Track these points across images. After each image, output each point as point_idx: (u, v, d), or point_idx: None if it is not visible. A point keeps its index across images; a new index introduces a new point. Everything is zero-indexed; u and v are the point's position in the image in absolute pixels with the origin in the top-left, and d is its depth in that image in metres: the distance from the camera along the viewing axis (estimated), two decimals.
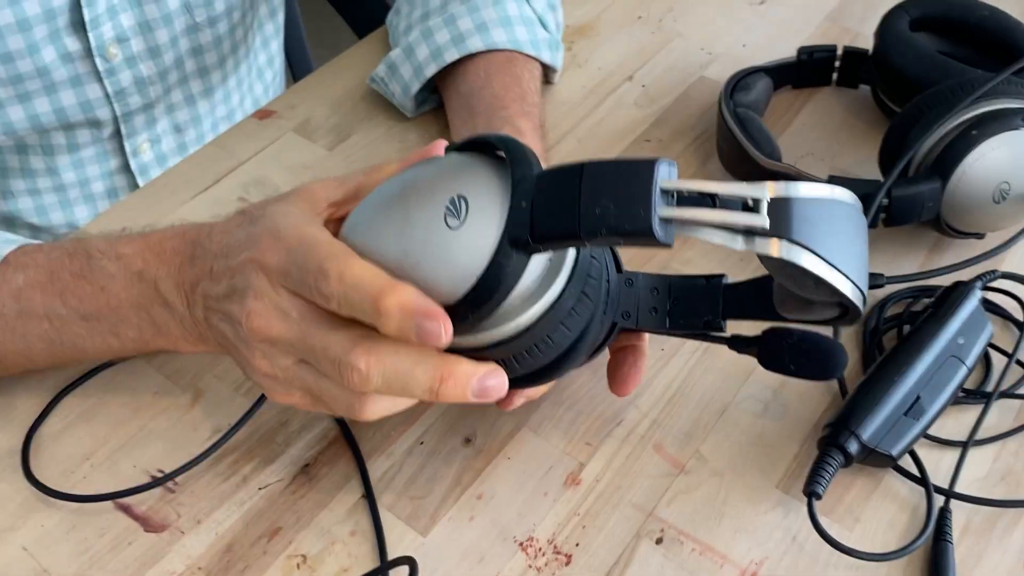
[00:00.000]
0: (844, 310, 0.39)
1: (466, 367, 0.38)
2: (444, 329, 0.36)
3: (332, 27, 1.04)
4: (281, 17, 0.80)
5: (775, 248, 0.35)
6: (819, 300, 0.39)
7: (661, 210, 0.34)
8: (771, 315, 0.44)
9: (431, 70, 0.63)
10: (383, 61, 0.66)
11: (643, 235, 0.34)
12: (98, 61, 0.63)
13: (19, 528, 0.46)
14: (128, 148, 0.69)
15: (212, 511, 0.47)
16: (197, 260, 0.44)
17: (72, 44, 0.61)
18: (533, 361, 0.40)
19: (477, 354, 0.39)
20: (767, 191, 0.35)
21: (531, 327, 0.38)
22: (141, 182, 0.71)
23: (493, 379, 0.39)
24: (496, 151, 0.39)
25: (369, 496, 0.47)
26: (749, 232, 0.35)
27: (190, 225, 0.46)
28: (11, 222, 0.70)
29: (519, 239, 0.36)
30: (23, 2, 0.57)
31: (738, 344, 0.46)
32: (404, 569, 0.43)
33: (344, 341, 0.38)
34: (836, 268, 0.36)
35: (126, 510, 0.47)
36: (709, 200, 0.35)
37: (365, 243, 0.39)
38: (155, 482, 0.47)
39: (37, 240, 0.71)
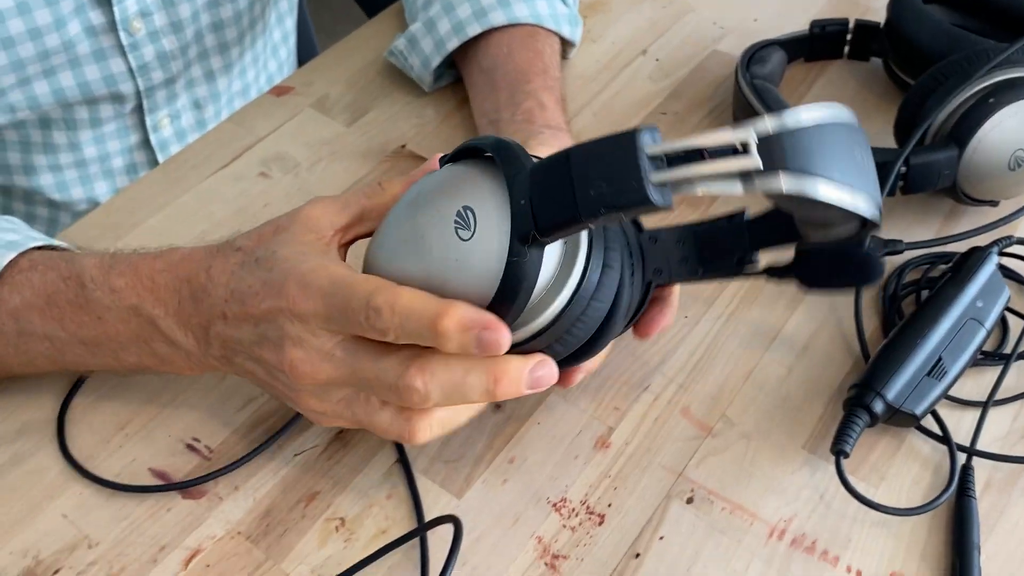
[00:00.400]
0: (863, 222, 0.39)
1: (516, 363, 0.39)
2: (502, 336, 0.37)
3: (335, 12, 1.04)
4: None
5: (774, 184, 0.35)
6: (836, 220, 0.40)
7: (653, 176, 0.35)
8: (797, 237, 0.44)
9: (453, 44, 0.63)
10: (403, 35, 0.67)
11: (641, 204, 0.35)
12: (122, 35, 0.63)
13: (58, 496, 0.47)
14: (149, 123, 0.70)
15: (249, 477, 0.48)
16: (200, 301, 0.43)
17: (96, 18, 0.61)
18: (575, 340, 0.41)
19: (522, 347, 0.40)
20: (752, 132, 0.35)
21: (564, 311, 0.39)
22: (160, 158, 0.72)
23: (542, 369, 0.40)
24: (487, 154, 0.40)
25: (403, 460, 0.48)
26: (746, 175, 0.35)
27: (179, 257, 0.45)
28: (31, 198, 0.70)
29: (527, 235, 0.37)
30: None
31: (776, 273, 0.46)
32: (445, 528, 0.44)
33: (396, 366, 0.39)
34: (842, 186, 0.36)
35: (162, 477, 0.48)
36: (698, 155, 0.35)
37: (392, 274, 0.40)
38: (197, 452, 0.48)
39: (57, 218, 0.72)
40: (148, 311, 0.44)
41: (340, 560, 0.45)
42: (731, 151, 0.35)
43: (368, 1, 0.95)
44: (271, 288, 0.41)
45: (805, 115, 0.36)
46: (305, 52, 0.97)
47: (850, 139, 0.38)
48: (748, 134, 0.35)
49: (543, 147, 0.53)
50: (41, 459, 0.48)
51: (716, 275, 0.46)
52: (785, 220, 0.44)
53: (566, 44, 0.68)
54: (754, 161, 0.35)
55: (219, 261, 0.44)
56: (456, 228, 0.38)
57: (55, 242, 0.49)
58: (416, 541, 0.45)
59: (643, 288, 0.44)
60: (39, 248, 0.48)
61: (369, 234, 0.44)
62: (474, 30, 0.62)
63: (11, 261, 0.47)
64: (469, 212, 0.38)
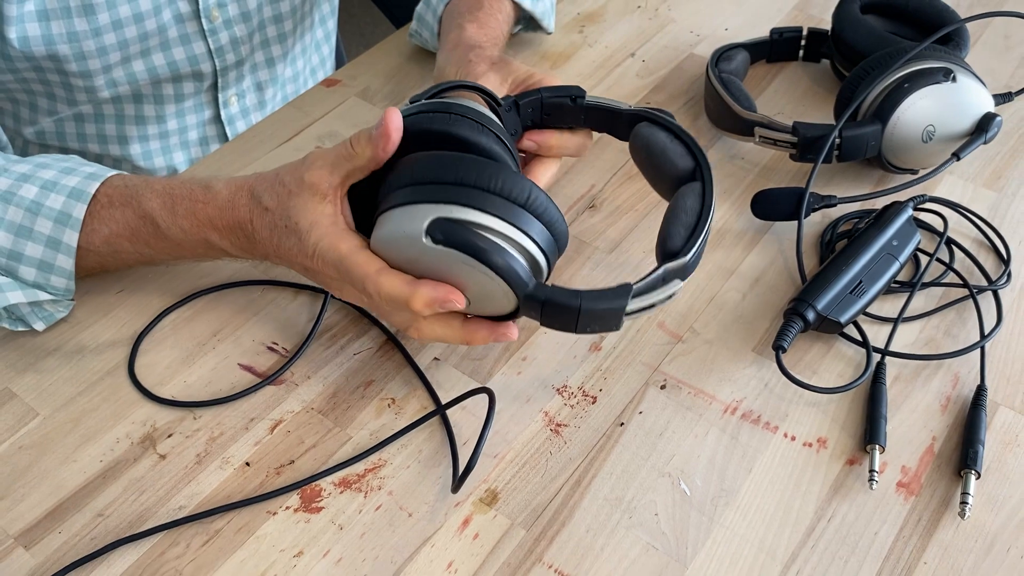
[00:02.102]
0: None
1: (483, 332, 0.54)
2: (457, 302, 0.51)
3: (363, 23, 1.18)
4: (336, 2, 0.94)
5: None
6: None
7: (623, 319, 0.52)
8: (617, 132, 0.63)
9: (440, 8, 0.78)
10: (414, 17, 0.82)
11: (612, 331, 0.54)
12: (203, 22, 0.77)
13: (168, 382, 0.60)
14: (220, 99, 0.84)
15: (319, 369, 0.61)
16: (254, 243, 0.57)
17: (184, 7, 0.75)
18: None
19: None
20: (679, 286, 0.54)
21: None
22: (228, 131, 0.86)
23: (499, 335, 0.54)
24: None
25: (410, 361, 0.61)
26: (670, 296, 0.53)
27: (224, 202, 0.57)
28: (119, 165, 0.84)
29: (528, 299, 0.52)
30: None
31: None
32: (471, 405, 0.57)
33: (401, 323, 0.55)
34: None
35: (250, 370, 0.61)
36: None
37: (389, 255, 0.53)
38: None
39: None
40: (216, 243, 0.59)
41: (392, 427, 0.58)
42: (662, 281, 0.53)
43: (394, 13, 1.09)
44: (303, 255, 0.55)
45: (695, 247, 0.54)
46: (336, 52, 1.11)
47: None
48: (678, 287, 0.53)
49: (470, 66, 0.67)
50: (151, 358, 0.61)
51: (556, 128, 0.64)
52: (617, 120, 0.63)
53: (533, 18, 0.82)
54: (675, 291, 0.53)
55: (256, 216, 0.56)
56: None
57: (104, 169, 0.61)
58: (452, 414, 0.58)
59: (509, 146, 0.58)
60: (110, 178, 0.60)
61: (357, 182, 0.55)
62: None
63: (92, 193, 0.58)
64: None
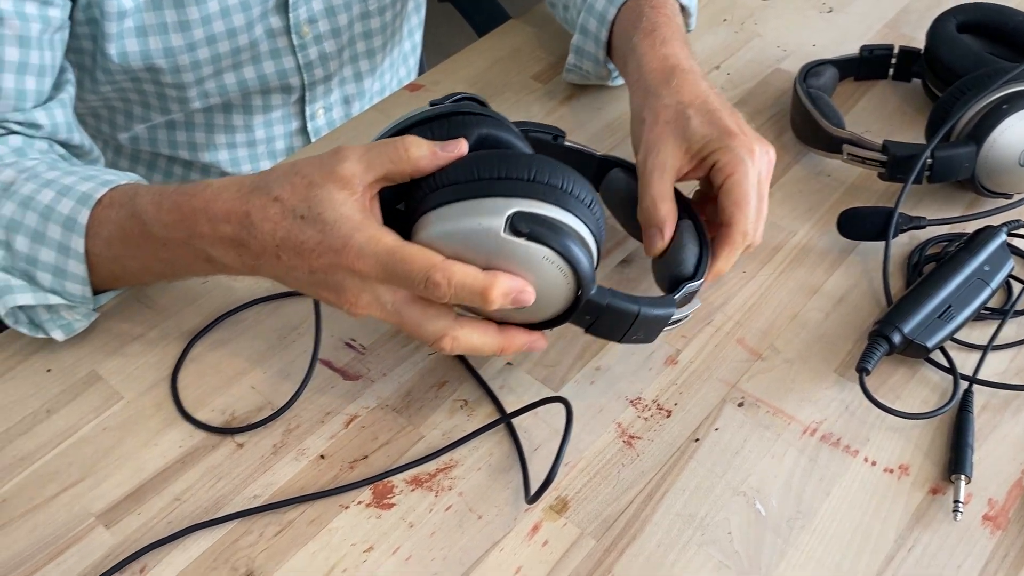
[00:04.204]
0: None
1: (519, 339, 0.53)
2: (529, 297, 0.49)
3: (439, 33, 1.19)
4: (423, 13, 0.95)
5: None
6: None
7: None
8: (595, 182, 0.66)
9: (604, 34, 0.74)
10: (571, 53, 0.78)
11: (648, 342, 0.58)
12: (294, 37, 0.78)
13: (250, 372, 0.61)
14: (308, 112, 0.85)
15: (394, 367, 0.61)
16: (244, 242, 0.51)
17: (276, 22, 0.77)
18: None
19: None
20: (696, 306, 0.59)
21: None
22: (313, 142, 0.87)
23: (532, 343, 0.54)
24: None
25: (471, 368, 0.61)
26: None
27: (211, 195, 0.52)
28: (207, 170, 0.86)
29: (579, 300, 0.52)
30: None
31: None
32: (541, 413, 0.56)
33: (434, 331, 0.51)
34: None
35: (328, 365, 0.62)
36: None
37: (448, 251, 0.50)
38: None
39: None
40: (197, 244, 0.53)
41: (463, 428, 0.58)
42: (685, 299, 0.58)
43: (477, 21, 1.10)
44: (328, 249, 0.49)
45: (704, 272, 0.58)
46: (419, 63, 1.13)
47: None
48: (697, 304, 0.59)
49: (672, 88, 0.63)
50: (233, 348, 0.63)
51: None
52: (590, 165, 0.67)
53: (685, 13, 0.77)
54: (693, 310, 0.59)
55: (256, 208, 0.50)
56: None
57: (125, 178, 0.59)
58: (524, 420, 0.58)
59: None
60: (119, 187, 0.57)
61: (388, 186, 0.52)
62: (611, 14, 0.72)
63: (98, 198, 0.56)
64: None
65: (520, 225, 0.49)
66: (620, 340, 0.55)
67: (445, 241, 0.51)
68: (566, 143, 0.66)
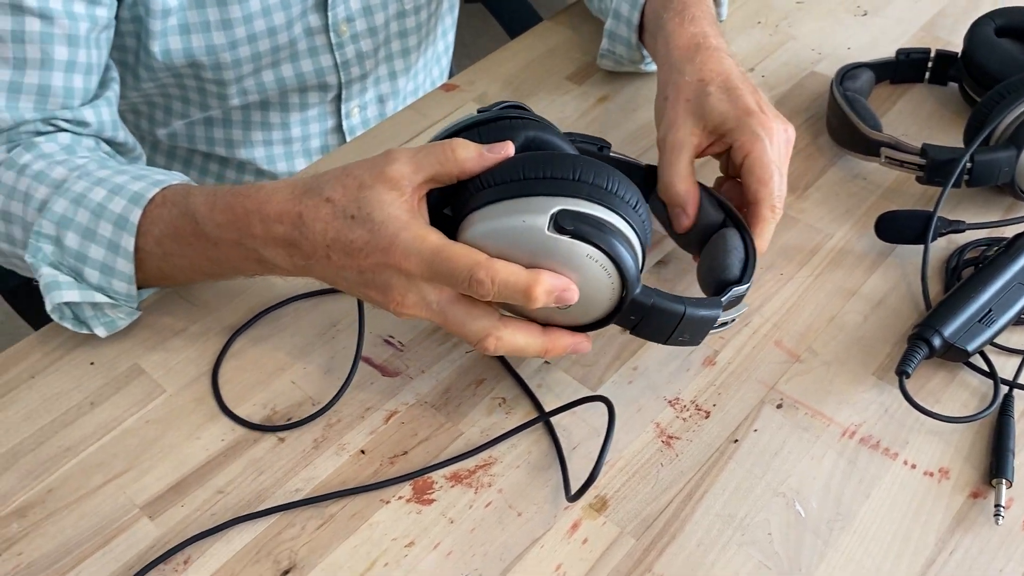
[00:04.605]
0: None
1: (563, 341, 0.53)
2: (573, 296, 0.49)
3: (465, 35, 1.20)
4: (456, 13, 0.96)
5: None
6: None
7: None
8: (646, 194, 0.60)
9: (636, 16, 0.74)
10: (604, 36, 0.79)
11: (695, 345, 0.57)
12: (332, 35, 0.79)
13: (289, 368, 0.62)
14: (343, 111, 0.86)
15: (432, 364, 0.62)
16: (296, 242, 0.52)
17: (315, 21, 0.78)
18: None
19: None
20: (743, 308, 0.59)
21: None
22: (348, 140, 0.88)
23: (577, 345, 0.54)
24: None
25: (510, 368, 0.61)
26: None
27: (265, 196, 0.53)
28: (243, 167, 0.87)
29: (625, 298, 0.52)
30: None
31: None
32: (581, 411, 0.57)
33: (478, 331, 0.51)
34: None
35: (368, 362, 0.62)
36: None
37: (492, 249, 0.51)
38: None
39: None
40: (249, 244, 0.54)
41: (502, 426, 0.58)
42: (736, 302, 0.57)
43: (511, 25, 1.10)
44: (376, 248, 0.50)
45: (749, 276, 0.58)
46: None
47: None
48: (744, 308, 0.59)
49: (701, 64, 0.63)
50: (274, 343, 0.63)
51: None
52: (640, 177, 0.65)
53: (717, 3, 0.77)
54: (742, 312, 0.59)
55: (309, 209, 0.51)
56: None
57: (176, 179, 0.60)
58: (562, 418, 0.58)
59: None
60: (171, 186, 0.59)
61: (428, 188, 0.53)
62: None
63: (150, 197, 0.58)
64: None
65: (564, 223, 0.49)
66: (666, 342, 0.55)
67: (490, 240, 0.51)
68: (612, 154, 0.65)
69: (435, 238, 0.50)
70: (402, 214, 0.51)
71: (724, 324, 0.57)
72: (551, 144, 0.55)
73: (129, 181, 0.59)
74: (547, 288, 0.49)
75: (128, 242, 0.58)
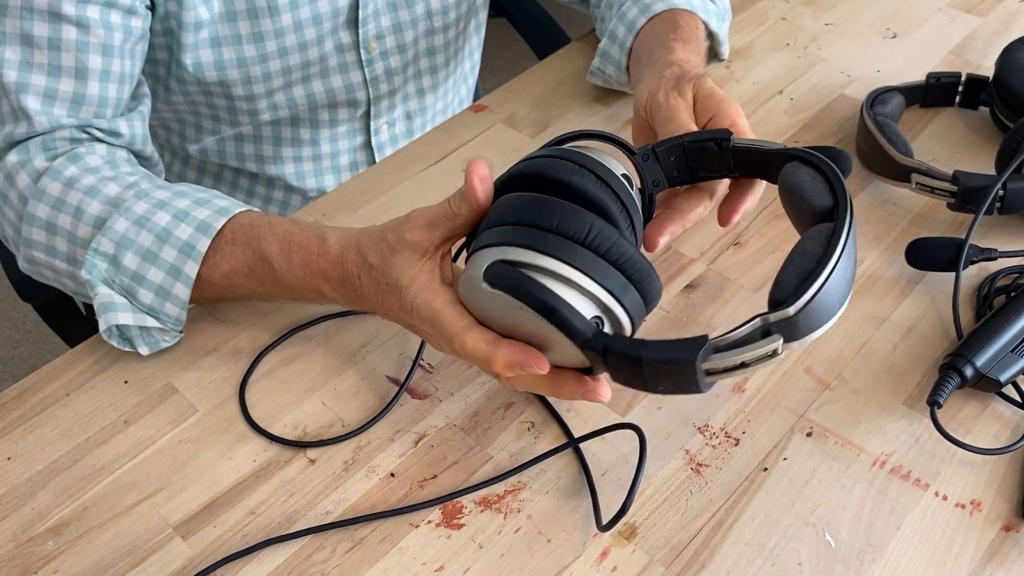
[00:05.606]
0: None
1: (569, 386, 0.51)
2: (540, 366, 0.49)
3: (492, 58, 1.20)
4: (483, 34, 0.96)
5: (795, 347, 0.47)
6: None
7: (705, 380, 0.46)
8: (773, 176, 0.55)
9: (629, 41, 0.76)
10: (596, 54, 0.81)
11: (692, 394, 0.47)
12: (362, 52, 0.80)
13: (320, 388, 0.62)
14: (372, 127, 0.87)
15: (461, 387, 0.62)
16: (361, 297, 0.57)
17: (345, 37, 0.79)
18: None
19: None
20: (780, 342, 0.45)
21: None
22: (377, 158, 0.88)
23: (588, 393, 0.51)
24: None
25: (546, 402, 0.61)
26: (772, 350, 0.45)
27: (335, 257, 0.57)
28: (272, 183, 0.88)
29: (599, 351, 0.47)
30: (319, 1, 0.75)
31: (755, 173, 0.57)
32: (610, 438, 0.57)
33: (493, 373, 0.52)
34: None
35: (397, 383, 0.62)
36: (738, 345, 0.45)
37: (468, 305, 0.51)
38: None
39: (290, 200, 0.90)
40: (327, 293, 0.59)
41: (531, 450, 0.58)
42: (760, 336, 0.45)
43: (539, 45, 1.11)
44: (404, 311, 0.54)
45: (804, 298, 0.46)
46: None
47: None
48: (776, 344, 0.45)
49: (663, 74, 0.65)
50: (304, 363, 0.64)
51: (702, 179, 0.58)
52: (766, 162, 0.55)
53: (714, 41, 0.79)
54: (775, 348, 0.45)
55: (364, 273, 0.56)
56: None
57: (236, 205, 0.62)
58: (590, 444, 0.58)
59: (646, 203, 0.56)
60: (236, 216, 0.61)
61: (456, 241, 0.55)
62: (640, 22, 0.75)
63: (219, 228, 0.60)
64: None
65: (491, 276, 0.47)
66: (649, 390, 0.48)
67: (463, 295, 0.52)
68: (736, 143, 0.56)
69: (438, 302, 0.53)
70: (421, 275, 0.53)
71: (744, 365, 0.46)
72: (559, 179, 0.51)
73: (192, 207, 0.61)
74: (505, 362, 0.49)
75: (192, 269, 0.60)
